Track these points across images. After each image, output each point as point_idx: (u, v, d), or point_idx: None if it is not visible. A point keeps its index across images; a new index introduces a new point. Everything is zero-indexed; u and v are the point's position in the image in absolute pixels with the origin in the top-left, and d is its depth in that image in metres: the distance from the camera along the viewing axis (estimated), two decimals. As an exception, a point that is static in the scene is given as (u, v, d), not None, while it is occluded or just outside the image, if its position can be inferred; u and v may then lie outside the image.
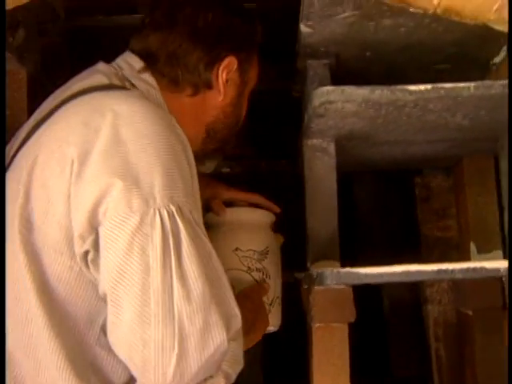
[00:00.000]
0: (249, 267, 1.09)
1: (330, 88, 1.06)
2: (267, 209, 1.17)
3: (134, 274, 0.73)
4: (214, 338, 0.74)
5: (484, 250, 1.45)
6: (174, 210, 0.75)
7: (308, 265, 1.21)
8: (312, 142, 1.24)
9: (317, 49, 1.24)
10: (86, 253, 0.77)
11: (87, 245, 0.76)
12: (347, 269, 1.05)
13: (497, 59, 1.29)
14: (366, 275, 1.03)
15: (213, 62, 0.98)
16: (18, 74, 1.14)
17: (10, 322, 0.79)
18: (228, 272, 0.86)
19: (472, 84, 1.06)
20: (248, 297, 1.01)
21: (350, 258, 1.24)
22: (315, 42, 1.21)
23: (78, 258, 0.77)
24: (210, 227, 0.83)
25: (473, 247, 1.46)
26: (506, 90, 1.05)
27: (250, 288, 1.06)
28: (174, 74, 0.96)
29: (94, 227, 0.75)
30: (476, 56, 1.29)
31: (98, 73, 0.92)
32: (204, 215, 0.89)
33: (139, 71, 0.95)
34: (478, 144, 1.37)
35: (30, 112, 1.03)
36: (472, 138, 1.31)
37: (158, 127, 0.80)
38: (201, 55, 0.97)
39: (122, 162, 0.76)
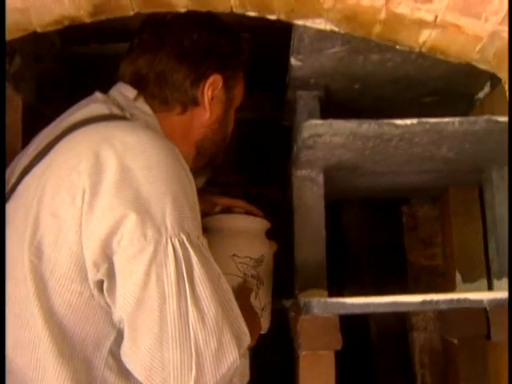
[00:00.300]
0: (244, 273, 1.10)
1: (318, 121, 1.09)
2: (253, 214, 1.18)
3: (152, 302, 0.75)
4: (227, 356, 0.76)
5: (469, 279, 1.47)
6: (184, 238, 0.78)
7: (296, 292, 1.22)
8: (301, 173, 1.27)
9: (306, 81, 1.27)
10: (101, 282, 0.78)
11: (101, 274, 0.77)
12: (334, 299, 1.07)
13: (481, 94, 1.32)
14: (353, 305, 1.05)
15: (198, 79, 1.00)
16: (13, 101, 1.14)
17: (19, 346, 0.80)
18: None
19: (457, 119, 1.09)
20: (244, 307, 1.02)
21: (337, 285, 1.26)
22: (305, 75, 1.25)
23: (92, 285, 0.78)
24: (207, 233, 0.84)
25: (458, 276, 1.48)
26: (490, 126, 1.08)
27: (239, 293, 1.04)
28: (163, 94, 0.99)
29: (107, 256, 0.77)
30: (461, 90, 1.33)
31: (98, 102, 0.94)
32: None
33: (133, 100, 0.97)
34: (464, 175, 1.39)
35: (25, 139, 1.04)
36: (457, 169, 1.34)
37: (165, 157, 0.82)
38: (187, 73, 0.99)
39: (133, 193, 0.78)
